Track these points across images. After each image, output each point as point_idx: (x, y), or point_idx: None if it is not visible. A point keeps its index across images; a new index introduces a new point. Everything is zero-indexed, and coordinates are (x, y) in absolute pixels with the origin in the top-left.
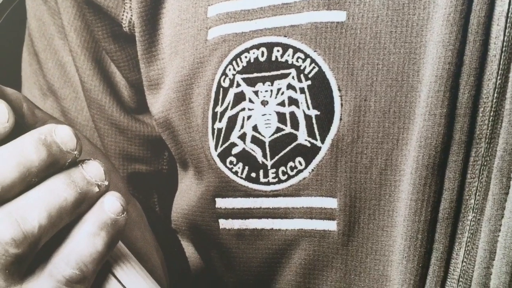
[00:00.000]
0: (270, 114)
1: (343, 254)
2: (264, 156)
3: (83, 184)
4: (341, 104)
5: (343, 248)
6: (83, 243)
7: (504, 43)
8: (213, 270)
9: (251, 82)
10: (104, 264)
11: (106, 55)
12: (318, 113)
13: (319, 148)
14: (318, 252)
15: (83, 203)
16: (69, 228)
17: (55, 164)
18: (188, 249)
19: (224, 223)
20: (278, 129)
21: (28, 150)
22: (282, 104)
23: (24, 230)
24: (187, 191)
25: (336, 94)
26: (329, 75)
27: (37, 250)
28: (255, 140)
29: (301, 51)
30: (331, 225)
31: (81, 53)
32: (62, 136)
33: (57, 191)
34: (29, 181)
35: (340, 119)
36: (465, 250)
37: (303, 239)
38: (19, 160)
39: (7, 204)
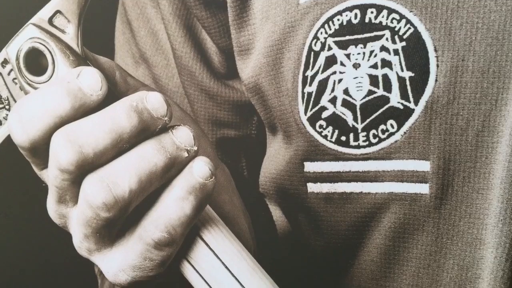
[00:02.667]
0: (362, 77)
1: (435, 217)
2: (355, 119)
3: (172, 150)
4: (437, 65)
5: (435, 211)
6: (172, 207)
7: None
8: (300, 233)
9: (343, 45)
10: (192, 228)
11: (197, 22)
12: (413, 74)
13: (412, 110)
14: (408, 215)
15: (173, 168)
16: (158, 192)
17: (146, 130)
18: (276, 212)
19: (312, 187)
20: (370, 92)
21: (120, 117)
22: (374, 66)
23: (115, 194)
24: (276, 156)
25: (432, 54)
26: (425, 35)
27: (127, 214)
28: (346, 104)
29: (396, 12)
30: (423, 188)
31: (172, 21)
32: (153, 102)
33: (147, 157)
34: (120, 147)
35: (436, 80)
36: None
37: (394, 202)
38: (111, 127)
39: (99, 169)
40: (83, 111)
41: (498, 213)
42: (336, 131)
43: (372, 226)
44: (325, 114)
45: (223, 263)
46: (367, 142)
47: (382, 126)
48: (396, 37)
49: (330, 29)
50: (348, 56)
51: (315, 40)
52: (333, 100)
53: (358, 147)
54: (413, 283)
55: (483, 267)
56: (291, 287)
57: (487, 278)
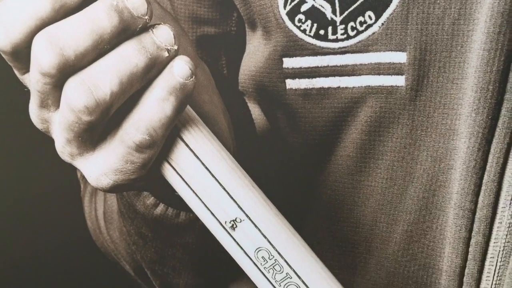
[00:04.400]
0: None
1: (410, 109)
2: (334, 12)
3: (153, 50)
4: None
5: (410, 103)
6: (153, 108)
7: None
8: (278, 131)
9: None
10: (172, 129)
11: None
12: None
13: (390, 1)
14: (384, 108)
15: (153, 69)
16: (139, 94)
17: (126, 30)
18: (255, 111)
19: (291, 83)
20: None
21: (100, 17)
22: None
23: (97, 97)
24: (255, 52)
25: None
26: None
27: (109, 117)
28: None
29: None
30: (399, 80)
31: None
32: (133, 1)
33: (128, 58)
34: (101, 48)
35: None
36: None
37: (370, 96)
38: (92, 28)
39: (80, 72)
40: (64, 12)
41: (472, 102)
42: (315, 24)
43: (348, 121)
44: (304, 8)
45: (203, 163)
46: (345, 35)
47: (360, 18)
48: None
49: None
50: None
51: None
52: None
53: (336, 40)
54: (388, 176)
55: (455, 158)
56: (269, 185)
57: (459, 168)
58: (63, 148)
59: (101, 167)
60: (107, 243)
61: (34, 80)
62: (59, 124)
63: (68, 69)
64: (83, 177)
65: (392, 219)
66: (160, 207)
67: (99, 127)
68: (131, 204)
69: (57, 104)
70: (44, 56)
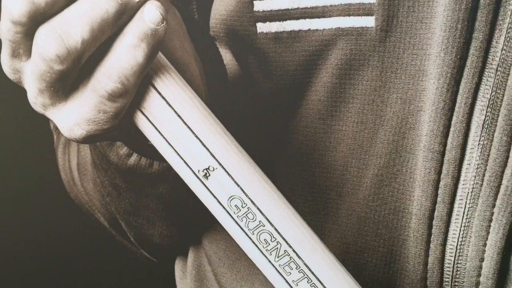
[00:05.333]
0: None
1: (380, 51)
2: None
3: None
4: None
5: (380, 44)
6: (124, 56)
7: None
8: (250, 76)
9: None
10: (144, 77)
11: None
12: None
13: None
14: (354, 51)
15: (124, 14)
16: (110, 41)
17: None
18: (226, 56)
19: (261, 27)
20: None
21: None
22: None
23: (68, 45)
24: None
25: None
26: None
27: (81, 65)
28: None
29: None
30: (369, 21)
31: None
32: None
33: (98, 3)
34: None
35: None
36: (505, 37)
37: (340, 38)
38: None
39: (50, 20)
40: None
41: (441, 42)
42: None
43: (319, 64)
44: None
45: (175, 111)
46: None
47: None
48: None
49: None
50: None
51: None
52: None
53: None
54: (358, 120)
55: (425, 99)
56: (241, 131)
57: (428, 110)
58: (36, 98)
59: (73, 117)
60: (81, 194)
61: (5, 29)
62: (31, 73)
63: (39, 17)
64: (56, 128)
65: (363, 163)
66: (134, 157)
67: (71, 76)
68: (105, 155)
69: (28, 53)
70: (15, 4)
